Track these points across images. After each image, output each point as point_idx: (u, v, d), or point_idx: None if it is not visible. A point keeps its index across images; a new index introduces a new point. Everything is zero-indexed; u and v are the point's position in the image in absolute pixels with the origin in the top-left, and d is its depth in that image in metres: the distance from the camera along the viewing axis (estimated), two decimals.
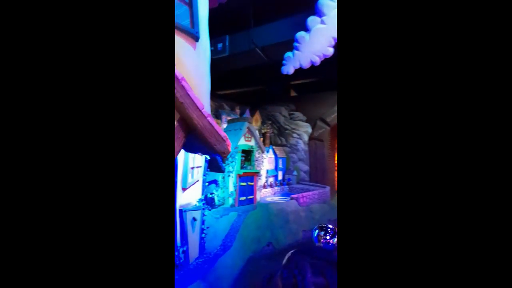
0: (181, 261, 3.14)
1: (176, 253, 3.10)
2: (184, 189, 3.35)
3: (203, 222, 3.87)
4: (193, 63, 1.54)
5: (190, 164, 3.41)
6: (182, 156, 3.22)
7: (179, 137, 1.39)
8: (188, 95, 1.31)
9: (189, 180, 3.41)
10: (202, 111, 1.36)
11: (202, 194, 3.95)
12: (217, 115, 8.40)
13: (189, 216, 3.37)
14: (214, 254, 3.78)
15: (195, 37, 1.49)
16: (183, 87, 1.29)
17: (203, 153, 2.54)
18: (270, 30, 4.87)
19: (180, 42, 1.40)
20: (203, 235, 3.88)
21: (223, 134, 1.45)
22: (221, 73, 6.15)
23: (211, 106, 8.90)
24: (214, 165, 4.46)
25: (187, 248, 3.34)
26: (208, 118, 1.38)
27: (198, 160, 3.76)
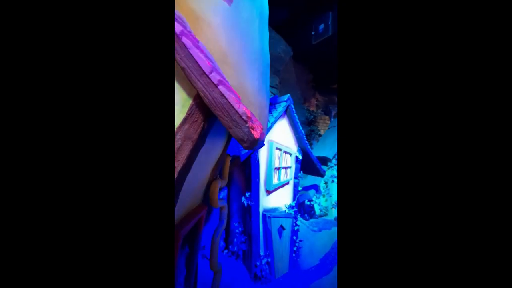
0: (264, 273, 2.75)
1: (258, 263, 2.74)
2: (268, 191, 2.96)
3: (295, 233, 3.30)
4: (223, 24, 1.10)
5: (275, 164, 2.99)
6: (264, 153, 2.87)
7: (196, 120, 0.98)
8: (191, 55, 0.88)
9: (275, 181, 2.99)
10: (210, 76, 0.88)
11: (293, 200, 3.39)
12: (326, 111, 7.50)
13: (274, 223, 2.93)
14: (307, 273, 3.10)
15: None
16: (183, 46, 0.88)
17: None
18: None
19: None
20: (294, 248, 3.30)
21: (242, 110, 0.89)
22: (325, 60, 5.38)
23: (318, 100, 8.13)
24: (311, 166, 3.77)
25: (272, 260, 2.90)
26: (220, 87, 0.88)
27: (288, 159, 3.26)
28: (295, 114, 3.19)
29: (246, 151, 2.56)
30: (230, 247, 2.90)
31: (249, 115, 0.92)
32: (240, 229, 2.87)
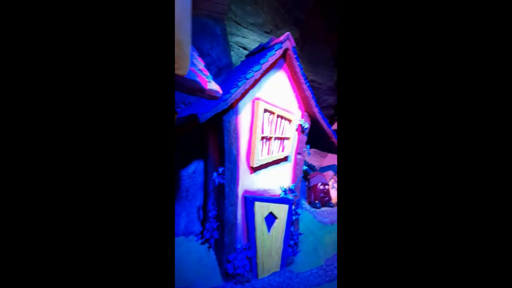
0: (238, 270, 2.13)
1: (231, 258, 2.12)
2: (252, 168, 2.22)
3: (293, 224, 2.55)
4: None
5: (264, 131, 2.19)
6: (248, 116, 2.09)
7: None
8: None
9: (262, 155, 2.22)
10: None
11: (295, 182, 2.58)
12: None
13: (260, 209, 2.22)
14: (305, 276, 2.39)
15: None
16: None
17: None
18: None
19: None
20: (291, 242, 2.58)
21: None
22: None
23: None
24: (324, 139, 2.82)
25: (254, 256, 2.26)
26: None
27: (285, 127, 2.41)
28: (298, 64, 2.25)
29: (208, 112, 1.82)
30: (204, 232, 2.34)
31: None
32: (213, 212, 2.26)
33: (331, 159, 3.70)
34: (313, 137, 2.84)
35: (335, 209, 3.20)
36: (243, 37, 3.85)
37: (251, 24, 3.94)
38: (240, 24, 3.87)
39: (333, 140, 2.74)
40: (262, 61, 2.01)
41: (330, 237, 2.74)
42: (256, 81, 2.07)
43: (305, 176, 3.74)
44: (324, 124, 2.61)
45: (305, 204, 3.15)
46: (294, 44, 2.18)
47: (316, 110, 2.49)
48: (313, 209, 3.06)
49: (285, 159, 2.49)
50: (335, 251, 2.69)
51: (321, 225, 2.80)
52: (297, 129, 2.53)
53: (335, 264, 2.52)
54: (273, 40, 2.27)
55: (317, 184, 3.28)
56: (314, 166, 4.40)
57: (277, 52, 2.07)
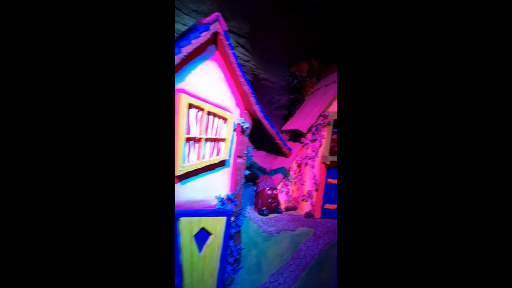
0: None
1: None
2: (177, 178, 1.81)
3: (231, 239, 2.22)
4: None
5: (191, 131, 1.80)
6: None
7: None
8: None
9: (187, 162, 1.82)
10: None
11: (235, 190, 2.25)
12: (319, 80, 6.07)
13: (187, 226, 1.83)
14: None
15: None
16: None
17: None
18: None
19: None
20: (231, 260, 2.24)
21: None
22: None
23: (313, 66, 6.53)
24: (267, 141, 2.56)
25: (180, 282, 1.85)
26: None
27: (220, 126, 2.06)
28: (233, 52, 1.92)
29: None
30: None
31: None
32: None
33: (282, 161, 3.49)
34: (259, 138, 2.56)
35: (283, 215, 2.97)
36: (183, 24, 3.40)
37: (194, 11, 3.51)
38: (180, 10, 3.40)
39: (277, 141, 2.50)
40: (183, 44, 1.62)
41: (276, 249, 2.49)
42: (177, 69, 1.67)
43: (254, 180, 3.46)
44: (267, 124, 2.34)
45: (250, 212, 2.85)
46: (226, 28, 1.84)
47: (257, 108, 2.20)
48: (259, 218, 2.78)
49: (222, 163, 2.14)
50: (281, 264, 2.45)
51: (266, 235, 2.53)
52: (235, 129, 2.20)
53: (280, 280, 2.27)
54: (200, 22, 1.89)
55: (264, 189, 3.02)
56: (265, 169, 4.16)
57: (202, 35, 1.70)
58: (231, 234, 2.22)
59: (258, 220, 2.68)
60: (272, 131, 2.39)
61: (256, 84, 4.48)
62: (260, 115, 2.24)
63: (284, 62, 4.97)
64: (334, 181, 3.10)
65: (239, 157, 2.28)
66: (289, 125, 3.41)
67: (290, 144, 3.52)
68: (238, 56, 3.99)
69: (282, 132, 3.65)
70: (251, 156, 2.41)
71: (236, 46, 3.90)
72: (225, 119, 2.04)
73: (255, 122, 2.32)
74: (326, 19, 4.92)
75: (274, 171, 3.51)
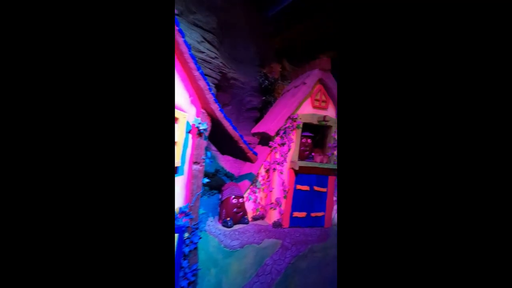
0: None
1: None
2: None
3: (187, 257, 1.90)
4: None
5: None
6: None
7: None
8: None
9: None
10: None
11: (190, 202, 1.93)
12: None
13: None
14: None
15: None
16: None
17: None
18: None
19: None
20: (184, 283, 1.92)
21: None
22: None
23: (286, 69, 6.44)
24: (229, 144, 2.30)
25: None
26: None
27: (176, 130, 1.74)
28: (184, 41, 1.64)
29: None
30: None
31: None
32: None
33: (250, 166, 3.25)
34: (221, 141, 2.28)
35: (248, 226, 2.72)
36: None
37: None
38: None
39: (241, 145, 2.24)
40: None
41: (239, 265, 2.22)
42: None
43: (220, 188, 3.17)
44: (228, 125, 2.08)
45: (210, 225, 2.55)
46: (176, 11, 1.55)
47: (215, 107, 1.93)
48: (221, 231, 2.49)
49: (177, 169, 1.82)
50: (244, 282, 2.18)
51: (228, 251, 2.25)
52: (190, 131, 1.91)
53: None
54: None
55: (229, 197, 2.74)
56: (234, 175, 3.89)
57: None
58: (185, 254, 1.90)
59: (219, 234, 2.39)
60: (234, 133, 2.13)
61: (224, 83, 4.21)
62: (219, 115, 1.98)
63: (255, 62, 4.77)
64: (304, 188, 2.94)
65: (196, 163, 1.98)
66: (258, 128, 3.19)
67: (259, 148, 3.30)
68: (204, 52, 3.69)
69: (253, 135, 3.42)
70: (211, 161, 2.13)
71: (202, 41, 3.60)
72: (175, 119, 1.74)
73: (215, 123, 2.05)
74: (297, 22, 4.85)
75: (242, 177, 3.25)
